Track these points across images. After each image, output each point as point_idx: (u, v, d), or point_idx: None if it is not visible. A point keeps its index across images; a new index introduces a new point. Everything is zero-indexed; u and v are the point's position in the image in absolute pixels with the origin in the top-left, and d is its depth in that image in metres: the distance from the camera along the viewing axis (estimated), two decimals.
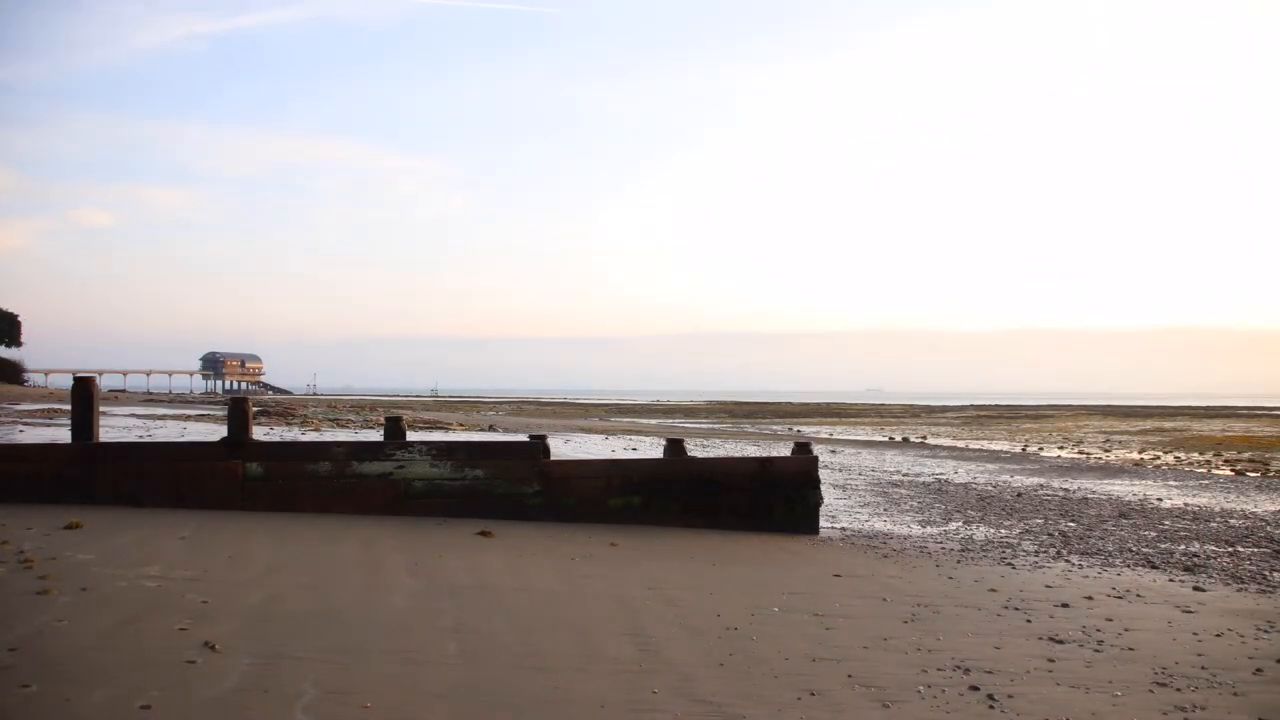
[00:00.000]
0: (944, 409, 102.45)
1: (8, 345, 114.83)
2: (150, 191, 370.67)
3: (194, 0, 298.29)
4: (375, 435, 35.66)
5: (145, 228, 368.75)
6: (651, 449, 34.43)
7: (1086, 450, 38.78)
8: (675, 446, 15.26)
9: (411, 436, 17.25)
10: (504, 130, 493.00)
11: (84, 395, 14.82)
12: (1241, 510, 18.91)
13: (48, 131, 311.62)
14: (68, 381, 20.60)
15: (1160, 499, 20.84)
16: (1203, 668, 7.45)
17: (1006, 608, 9.54)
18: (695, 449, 31.82)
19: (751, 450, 35.23)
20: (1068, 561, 12.80)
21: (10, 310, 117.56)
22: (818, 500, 14.83)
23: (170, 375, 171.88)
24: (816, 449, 16.00)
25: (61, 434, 31.79)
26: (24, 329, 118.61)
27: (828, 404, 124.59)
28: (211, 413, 63.28)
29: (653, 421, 67.00)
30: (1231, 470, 29.23)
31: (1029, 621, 8.94)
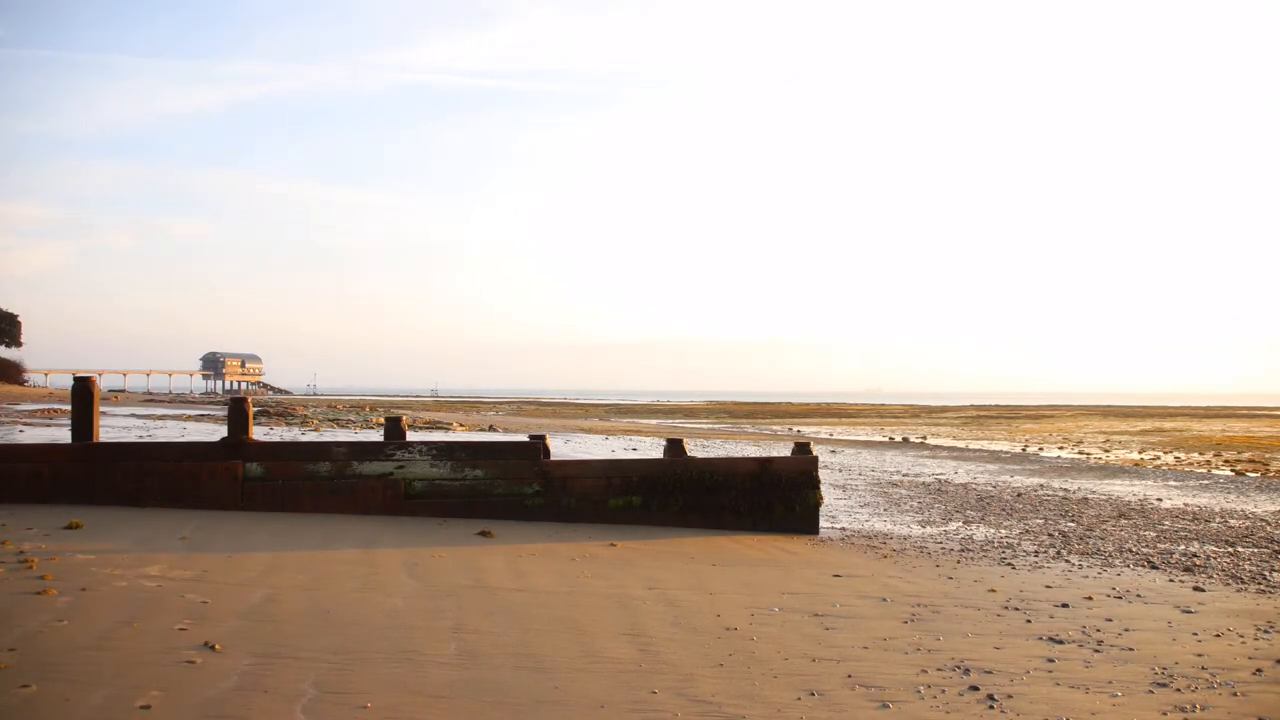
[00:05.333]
0: (944, 409, 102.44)
1: (8, 345, 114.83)
2: (169, 221, 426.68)
3: (214, 73, 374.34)
4: (375, 435, 35.66)
5: (162, 248, 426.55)
6: (651, 449, 34.44)
7: (1086, 450, 38.78)
8: (675, 446, 15.26)
9: (412, 436, 17.27)
10: (474, 168, 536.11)
11: (84, 395, 14.83)
12: (1241, 510, 18.90)
13: (85, 174, 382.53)
14: (68, 381, 20.59)
15: (1160, 499, 20.84)
16: (1203, 668, 7.45)
17: (1006, 608, 9.54)
18: (695, 449, 31.80)
19: (751, 450, 35.24)
20: (1067, 562, 12.80)
21: (10, 310, 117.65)
22: (818, 500, 14.83)
23: (170, 375, 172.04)
24: (816, 449, 15.99)
25: (61, 434, 31.78)
26: (24, 329, 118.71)
27: (828, 404, 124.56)
28: (211, 413, 63.29)
29: (653, 422, 67.00)
30: (1231, 470, 29.22)
31: (1029, 622, 8.94)
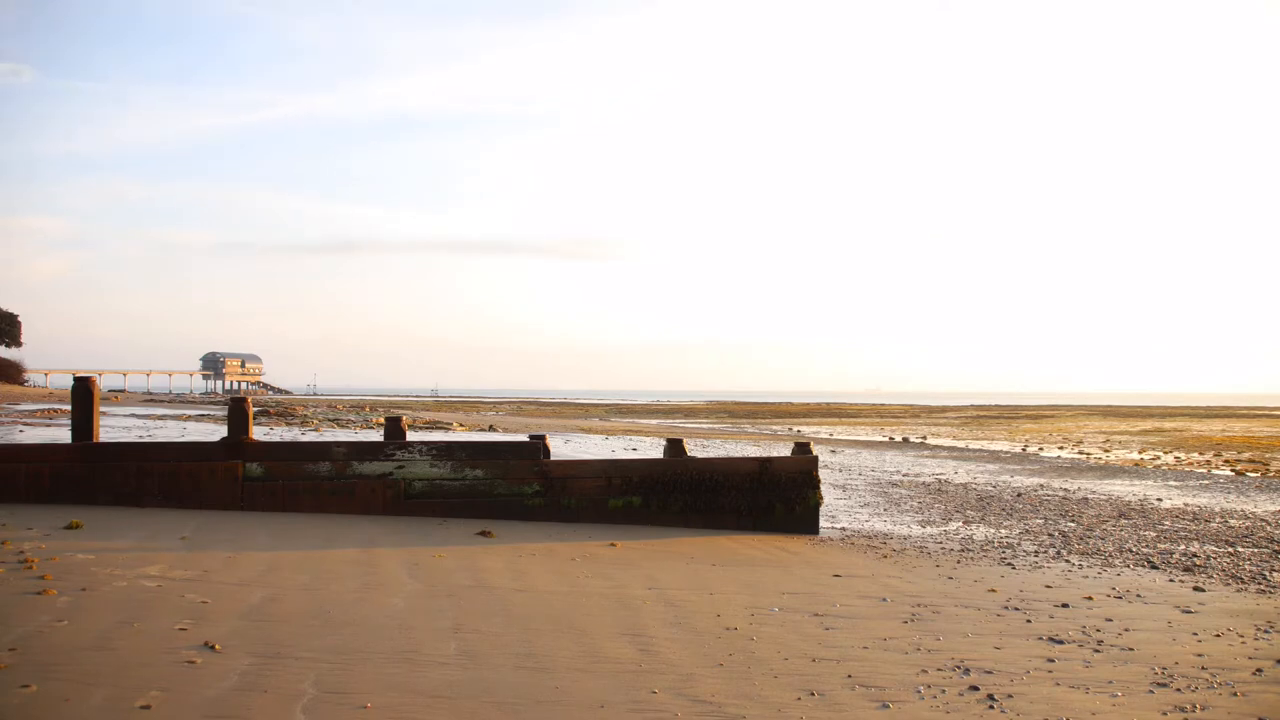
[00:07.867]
0: (944, 409, 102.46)
1: (8, 345, 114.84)
2: (177, 231, 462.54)
3: (221, 100, 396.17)
4: (375, 435, 35.68)
5: (164, 252, 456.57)
6: (651, 449, 34.45)
7: (1086, 450, 38.79)
8: (675, 446, 15.26)
9: (412, 436, 17.28)
10: (473, 172, 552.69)
11: (84, 395, 14.83)
12: (1241, 510, 18.91)
13: (94, 189, 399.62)
14: (68, 381, 20.61)
15: (1160, 499, 20.84)
16: (1203, 668, 7.45)
17: (1006, 608, 9.54)
18: (695, 449, 31.81)
19: (751, 450, 35.24)
20: (1067, 562, 12.80)
21: (11, 311, 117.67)
22: (818, 500, 14.84)
23: (170, 375, 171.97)
24: (816, 449, 16.00)
25: (61, 434, 31.77)
26: (25, 330, 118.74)
27: (828, 404, 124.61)
28: (211, 413, 63.29)
29: (653, 422, 67.02)
30: (1231, 470, 29.22)
31: (1029, 622, 8.94)
